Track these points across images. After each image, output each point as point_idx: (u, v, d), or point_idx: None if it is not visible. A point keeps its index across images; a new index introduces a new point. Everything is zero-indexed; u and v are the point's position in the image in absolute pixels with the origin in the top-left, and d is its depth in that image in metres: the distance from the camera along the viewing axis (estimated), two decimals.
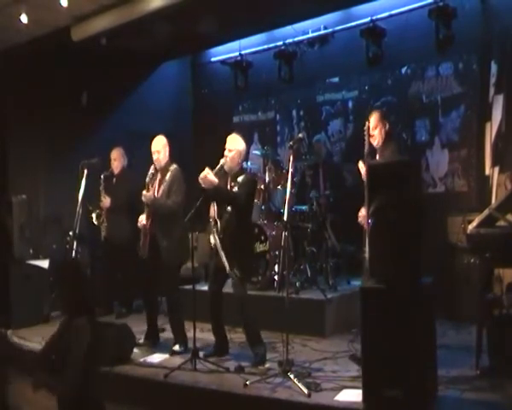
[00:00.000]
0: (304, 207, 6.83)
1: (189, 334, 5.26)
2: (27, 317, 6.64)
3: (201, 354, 4.99)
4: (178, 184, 5.48)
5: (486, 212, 4.44)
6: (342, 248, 6.81)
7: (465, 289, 5.89)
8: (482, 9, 6.53)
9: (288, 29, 7.85)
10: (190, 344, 5.10)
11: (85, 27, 7.00)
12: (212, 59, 9.02)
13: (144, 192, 5.47)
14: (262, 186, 6.79)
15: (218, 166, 4.97)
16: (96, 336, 3.48)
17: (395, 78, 7.35)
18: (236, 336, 5.52)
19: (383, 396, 3.70)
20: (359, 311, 3.91)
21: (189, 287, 5.73)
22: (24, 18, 6.52)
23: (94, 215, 7.08)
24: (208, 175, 4.81)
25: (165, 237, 5.42)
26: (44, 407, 3.64)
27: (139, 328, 5.73)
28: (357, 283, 6.15)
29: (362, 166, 4.99)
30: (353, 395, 4.01)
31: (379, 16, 6.89)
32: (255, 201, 5.85)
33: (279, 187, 6.87)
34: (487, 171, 6.25)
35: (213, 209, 5.12)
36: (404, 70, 7.29)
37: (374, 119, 5.07)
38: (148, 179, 5.56)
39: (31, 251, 7.35)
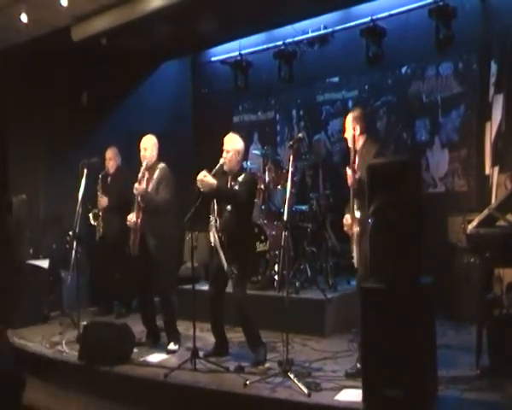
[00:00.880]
0: (304, 207, 6.83)
1: (189, 334, 5.26)
2: (27, 317, 6.64)
3: (201, 353, 4.99)
4: (167, 181, 5.52)
5: (486, 212, 4.44)
6: (342, 248, 6.79)
7: (465, 289, 5.89)
8: (482, 9, 6.53)
9: (288, 29, 7.84)
10: (189, 343, 5.09)
11: (85, 27, 7.00)
12: (212, 59, 9.01)
13: (136, 185, 5.48)
14: (262, 186, 6.79)
15: (217, 167, 4.95)
16: None
17: (395, 77, 7.35)
18: (236, 336, 5.51)
19: (383, 396, 3.70)
20: (359, 311, 3.91)
21: (188, 287, 5.73)
22: (24, 18, 6.53)
23: (91, 215, 7.10)
24: (205, 177, 4.78)
25: (154, 235, 5.45)
26: None
27: (139, 328, 5.73)
28: None
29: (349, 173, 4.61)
30: (353, 395, 4.01)
31: (379, 16, 6.89)
32: (255, 200, 5.84)
33: (279, 187, 6.88)
34: (487, 171, 6.25)
35: (213, 208, 5.11)
36: (404, 70, 7.29)
37: (347, 121, 4.70)
38: (140, 175, 5.58)
39: (31, 251, 7.35)
